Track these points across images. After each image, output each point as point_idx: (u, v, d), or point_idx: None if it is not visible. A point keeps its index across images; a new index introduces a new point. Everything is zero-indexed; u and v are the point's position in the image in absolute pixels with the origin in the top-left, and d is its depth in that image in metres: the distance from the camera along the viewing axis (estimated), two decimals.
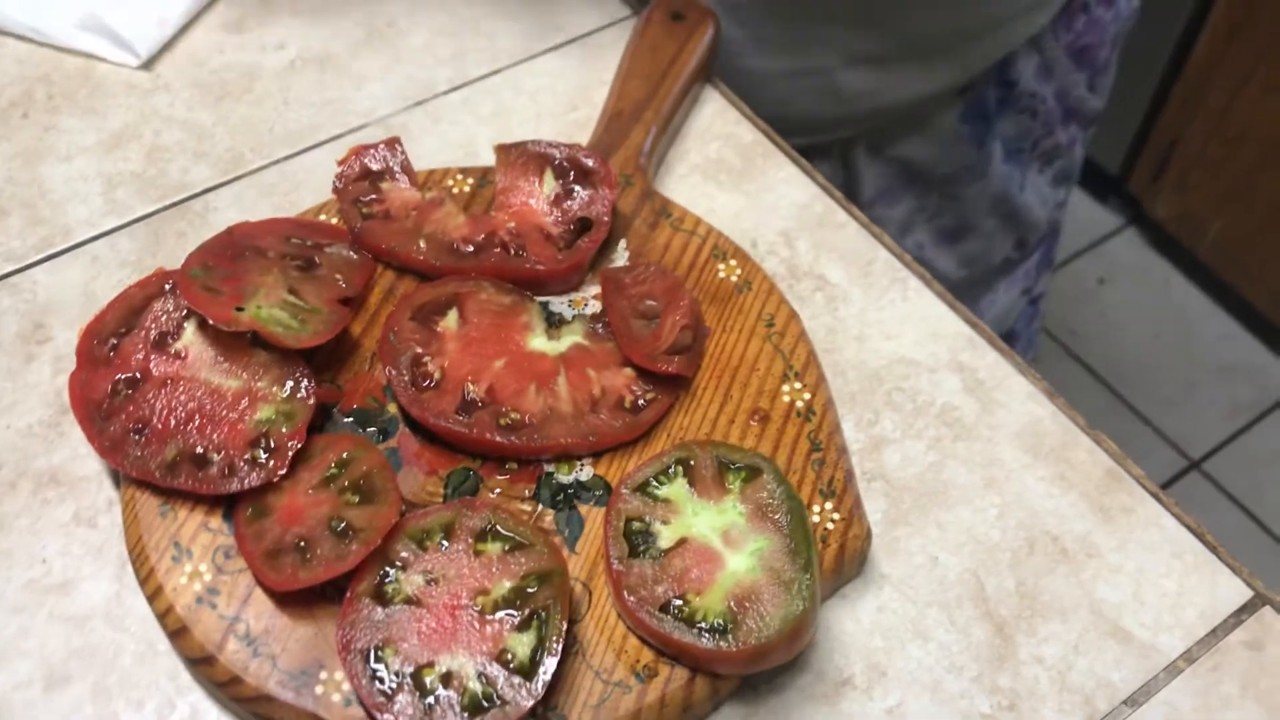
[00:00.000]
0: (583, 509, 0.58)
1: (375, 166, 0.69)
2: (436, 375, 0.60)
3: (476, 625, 0.52)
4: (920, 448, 0.64)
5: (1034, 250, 1.08)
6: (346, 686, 0.52)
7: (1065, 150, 1.02)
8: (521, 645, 0.51)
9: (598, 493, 0.58)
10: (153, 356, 0.60)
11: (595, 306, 0.65)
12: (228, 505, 0.57)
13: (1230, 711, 0.56)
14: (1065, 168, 1.04)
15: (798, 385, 0.62)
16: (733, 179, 0.75)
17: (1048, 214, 1.05)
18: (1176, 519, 0.62)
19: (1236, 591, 0.59)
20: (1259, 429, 1.95)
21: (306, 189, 0.73)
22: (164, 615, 0.55)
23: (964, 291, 0.94)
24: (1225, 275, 2.02)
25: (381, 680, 0.50)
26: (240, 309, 0.59)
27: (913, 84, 0.90)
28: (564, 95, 0.79)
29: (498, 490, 0.58)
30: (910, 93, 0.91)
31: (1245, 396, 1.98)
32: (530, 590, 0.53)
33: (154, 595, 0.55)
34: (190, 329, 0.60)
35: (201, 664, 0.53)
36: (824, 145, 0.95)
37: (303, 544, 0.54)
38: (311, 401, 0.58)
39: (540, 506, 0.58)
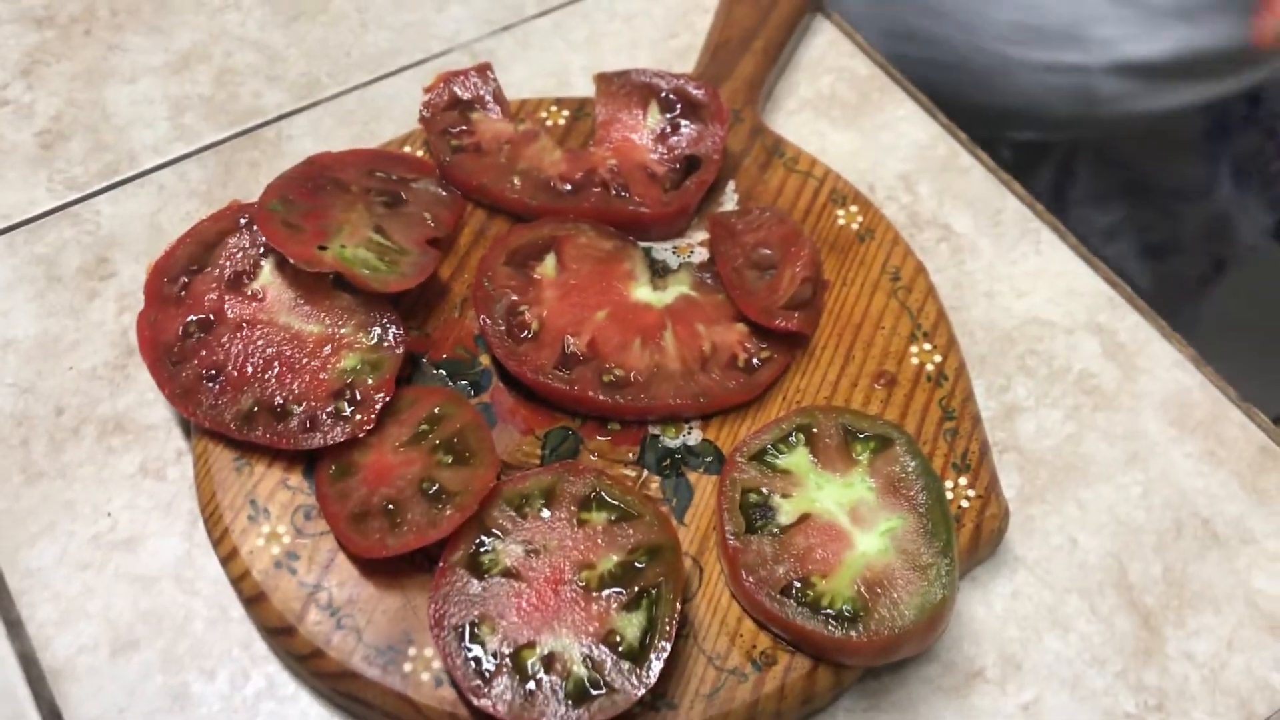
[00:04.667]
0: (691, 476, 0.53)
1: (465, 95, 0.63)
2: (534, 326, 0.55)
3: (581, 603, 0.47)
4: (1057, 417, 0.58)
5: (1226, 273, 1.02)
6: (437, 664, 0.47)
7: None
8: (630, 626, 0.47)
9: (707, 459, 0.53)
10: (227, 297, 0.55)
11: (702, 254, 0.60)
12: (308, 461, 0.52)
13: None
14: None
15: (927, 346, 0.56)
16: (847, 116, 0.69)
17: (1253, 239, 1.00)
18: None
19: None
20: None
21: (387, 118, 0.68)
22: (240, 580, 0.50)
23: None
24: None
25: (478, 661, 0.46)
26: (323, 248, 0.54)
27: (1175, 96, 0.84)
28: (662, 21, 0.73)
29: (598, 453, 0.53)
30: (1167, 103, 0.85)
31: None
32: (639, 566, 0.48)
33: (229, 557, 0.51)
34: (268, 268, 0.56)
35: (280, 634, 0.49)
36: (1052, 142, 0.90)
37: (391, 507, 0.49)
38: (400, 350, 0.53)
39: (645, 472, 0.53)
